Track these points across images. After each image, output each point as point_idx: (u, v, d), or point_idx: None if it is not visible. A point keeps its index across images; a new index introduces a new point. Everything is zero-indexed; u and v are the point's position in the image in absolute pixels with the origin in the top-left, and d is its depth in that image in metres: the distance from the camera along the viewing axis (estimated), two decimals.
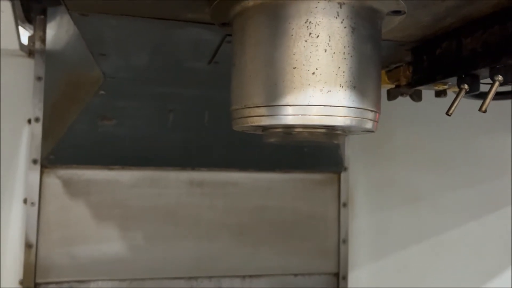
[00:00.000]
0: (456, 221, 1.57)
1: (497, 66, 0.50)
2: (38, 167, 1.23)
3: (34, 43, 1.24)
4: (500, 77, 0.50)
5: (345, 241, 1.48)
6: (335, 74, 0.40)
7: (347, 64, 0.41)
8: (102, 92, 1.00)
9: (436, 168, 1.56)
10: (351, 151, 1.50)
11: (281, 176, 1.45)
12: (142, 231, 1.35)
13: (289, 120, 0.42)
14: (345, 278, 1.48)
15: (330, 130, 0.45)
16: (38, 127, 1.24)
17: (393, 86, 0.69)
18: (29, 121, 1.24)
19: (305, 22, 0.40)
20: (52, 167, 1.24)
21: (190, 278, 1.38)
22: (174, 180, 1.37)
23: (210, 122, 1.22)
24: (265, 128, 0.45)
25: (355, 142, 1.51)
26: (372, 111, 0.45)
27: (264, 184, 1.44)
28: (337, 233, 1.48)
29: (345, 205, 1.49)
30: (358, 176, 1.52)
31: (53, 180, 1.26)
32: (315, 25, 0.40)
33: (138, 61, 0.84)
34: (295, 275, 1.46)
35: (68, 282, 1.28)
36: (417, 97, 0.69)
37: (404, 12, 0.46)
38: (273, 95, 0.41)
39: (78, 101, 1.12)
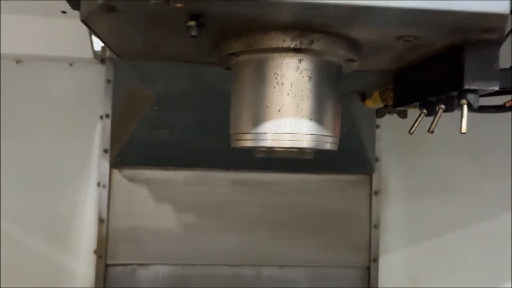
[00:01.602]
0: (491, 211, 1.60)
1: (443, 96, 0.61)
2: (108, 155, 1.50)
3: (105, 51, 1.50)
4: (442, 106, 0.61)
5: (376, 226, 1.59)
6: (295, 111, 0.55)
7: (305, 103, 0.56)
8: (155, 107, 1.22)
9: (473, 158, 1.60)
10: (384, 144, 1.59)
11: (315, 177, 1.59)
12: (192, 223, 1.57)
13: (267, 143, 0.57)
14: (376, 260, 1.58)
15: (299, 150, 0.60)
16: (108, 122, 1.51)
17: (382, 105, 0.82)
18: (101, 117, 1.51)
19: (274, 74, 0.56)
20: (119, 168, 1.50)
21: (234, 265, 1.57)
22: (220, 180, 1.56)
23: None
24: (251, 148, 0.61)
25: (389, 133, 1.59)
26: (329, 136, 0.59)
27: (300, 184, 1.59)
28: (369, 223, 1.59)
29: (376, 193, 1.59)
30: (392, 167, 1.61)
31: (120, 177, 1.52)
32: (281, 76, 0.55)
33: (180, 85, 1.03)
34: (328, 267, 1.59)
35: (132, 264, 1.53)
36: (402, 114, 0.80)
37: (357, 60, 0.60)
38: (255, 125, 0.57)
39: (137, 112, 1.35)
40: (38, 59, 1.45)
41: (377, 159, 1.58)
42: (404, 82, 0.73)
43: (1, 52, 1.38)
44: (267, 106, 0.56)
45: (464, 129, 0.58)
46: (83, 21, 0.51)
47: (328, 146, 0.60)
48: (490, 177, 1.59)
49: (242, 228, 1.56)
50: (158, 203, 1.52)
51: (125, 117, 1.44)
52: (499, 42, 0.54)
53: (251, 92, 0.58)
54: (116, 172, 1.49)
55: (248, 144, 0.58)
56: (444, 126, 1.52)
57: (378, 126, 1.56)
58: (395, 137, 1.58)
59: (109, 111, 1.49)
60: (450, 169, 1.60)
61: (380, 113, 0.80)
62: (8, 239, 1.44)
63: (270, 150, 0.60)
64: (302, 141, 0.57)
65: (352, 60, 0.59)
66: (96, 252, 1.48)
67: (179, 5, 0.44)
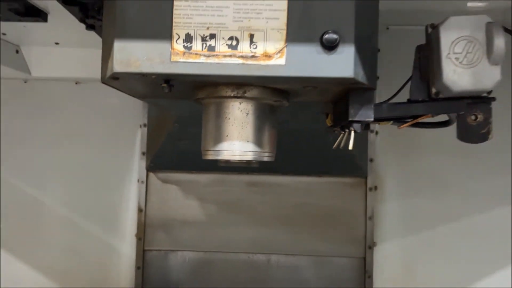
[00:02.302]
0: (480, 206, 1.72)
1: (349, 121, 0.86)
2: (145, 157, 1.83)
3: None
4: (352, 128, 0.87)
5: (371, 218, 1.77)
6: (238, 136, 0.84)
7: (244, 131, 0.84)
8: (176, 124, 1.55)
9: (463, 158, 1.72)
10: (379, 146, 1.77)
11: (317, 179, 1.80)
12: (213, 217, 1.83)
13: (223, 157, 0.86)
14: (371, 248, 1.77)
15: (246, 161, 0.88)
16: (145, 130, 1.84)
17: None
18: (141, 126, 1.84)
19: (224, 112, 0.84)
20: (153, 171, 1.83)
21: (248, 253, 1.81)
22: (236, 181, 1.83)
23: None
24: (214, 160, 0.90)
25: (384, 136, 1.77)
26: (266, 151, 0.86)
27: (303, 186, 1.81)
28: (364, 217, 1.78)
29: (371, 189, 1.78)
30: (387, 166, 1.78)
31: (154, 178, 1.84)
32: (228, 113, 0.83)
33: (193, 107, 1.34)
34: (328, 256, 1.80)
35: (165, 250, 1.87)
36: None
37: (287, 102, 0.87)
38: (215, 145, 0.86)
39: (164, 127, 1.70)
40: (92, 81, 1.79)
41: (371, 160, 1.77)
42: (335, 109, 0.99)
43: (63, 75, 1.80)
44: (220, 133, 0.85)
45: (351, 147, 0.83)
46: (103, 82, 0.83)
47: (265, 159, 0.87)
48: (479, 175, 1.72)
49: (255, 222, 1.82)
50: (186, 200, 1.83)
51: (156, 129, 1.78)
52: (373, 89, 0.79)
53: (212, 123, 0.86)
54: (151, 174, 1.83)
55: (211, 157, 0.87)
56: (437, 129, 1.71)
57: (372, 131, 1.76)
58: (390, 139, 1.76)
59: (146, 121, 1.84)
60: (441, 167, 1.75)
61: (328, 130, 1.06)
62: (69, 224, 1.83)
63: (227, 161, 0.89)
64: (246, 155, 0.85)
65: (282, 102, 0.87)
66: (136, 236, 1.83)
67: (153, 76, 0.75)
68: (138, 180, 1.83)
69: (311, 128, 1.54)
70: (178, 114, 1.46)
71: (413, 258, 1.78)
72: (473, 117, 0.84)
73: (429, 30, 0.84)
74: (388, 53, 1.57)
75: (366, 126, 0.85)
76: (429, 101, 0.84)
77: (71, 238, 1.85)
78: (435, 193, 1.76)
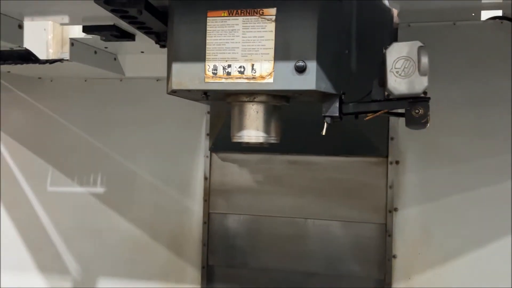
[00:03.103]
0: (491, 179, 1.93)
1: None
2: (208, 137, 2.28)
3: None
4: (325, 121, 1.25)
5: (391, 187, 2.02)
6: (252, 127, 1.27)
7: (256, 123, 1.26)
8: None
9: (476, 136, 1.92)
10: (401, 125, 1.89)
11: (344, 159, 2.10)
12: (261, 189, 2.22)
13: (244, 140, 1.30)
14: (391, 212, 2.03)
15: (260, 143, 1.31)
16: (208, 117, 2.23)
17: None
18: (206, 112, 2.28)
19: (242, 111, 1.27)
20: (215, 152, 2.26)
21: (289, 217, 2.17)
22: (279, 160, 2.19)
23: (295, 128, 1.78)
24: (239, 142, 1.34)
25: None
26: (272, 136, 1.28)
27: (333, 164, 2.12)
28: (386, 187, 2.06)
29: (391, 163, 2.03)
30: (408, 142, 2.01)
31: (216, 157, 2.26)
32: (245, 112, 1.26)
33: None
34: (354, 222, 2.11)
35: (225, 214, 2.36)
36: None
37: (287, 103, 1.28)
38: (238, 132, 1.31)
39: (222, 117, 2.16)
40: None
41: (392, 138, 2.02)
42: None
43: (148, 75, 2.30)
44: (241, 124, 1.28)
45: (323, 133, 1.22)
46: (168, 93, 1.30)
47: (271, 141, 1.29)
48: (489, 152, 1.93)
49: (294, 193, 2.16)
50: (240, 174, 2.23)
51: (217, 117, 2.22)
52: (337, 94, 1.18)
53: (236, 118, 1.28)
54: (213, 154, 2.29)
55: (235, 140, 1.32)
56: (454, 110, 1.96)
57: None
58: None
59: (209, 109, 2.27)
60: (456, 145, 1.96)
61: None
62: (154, 188, 2.33)
63: (247, 143, 1.33)
64: (258, 139, 1.27)
65: (281, 103, 1.29)
66: (203, 198, 2.27)
67: (195, 91, 1.21)
68: (204, 155, 2.31)
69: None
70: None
71: (430, 221, 2.03)
72: (416, 111, 1.19)
73: (384, 51, 1.19)
74: None
75: (339, 117, 1.23)
76: (383, 101, 1.20)
77: (156, 198, 2.33)
78: (450, 166, 1.99)
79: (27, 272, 2.52)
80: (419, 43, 1.14)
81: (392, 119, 2.06)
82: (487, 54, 1.93)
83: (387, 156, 2.08)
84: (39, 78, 2.51)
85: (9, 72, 2.31)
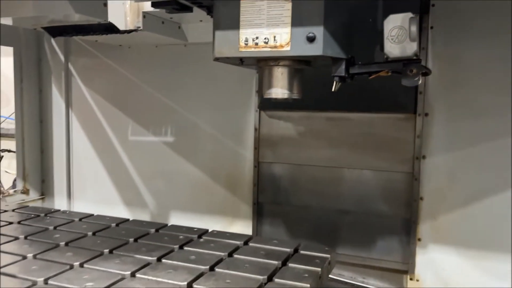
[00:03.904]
0: None
1: None
2: (257, 94, 2.46)
3: None
4: (335, 80, 1.55)
5: (419, 137, 2.17)
6: (278, 85, 1.60)
7: (282, 82, 1.59)
8: None
9: (499, 90, 2.01)
10: (431, 79, 2.12)
11: (376, 115, 2.28)
12: (303, 141, 2.47)
13: (272, 96, 1.65)
14: (418, 158, 2.20)
15: (285, 98, 1.64)
16: (257, 75, 2.43)
17: None
18: (256, 72, 2.42)
19: (270, 73, 1.62)
20: (262, 110, 2.54)
21: (327, 166, 2.43)
22: (318, 117, 2.37)
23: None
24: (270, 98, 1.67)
25: (434, 71, 2.09)
26: (295, 93, 1.60)
27: (366, 119, 2.32)
28: (414, 137, 2.24)
29: (420, 115, 2.21)
30: (436, 96, 2.14)
31: (263, 114, 2.57)
32: (272, 73, 1.60)
33: None
34: (385, 171, 2.33)
35: (269, 163, 2.65)
36: None
37: (309, 66, 1.59)
38: (268, 90, 1.65)
39: None
40: None
41: (420, 92, 2.19)
42: None
43: (206, 40, 2.67)
44: (269, 83, 1.62)
45: (333, 90, 1.51)
46: (214, 60, 1.66)
47: (294, 96, 1.62)
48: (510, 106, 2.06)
49: (332, 145, 2.39)
50: (284, 128, 2.48)
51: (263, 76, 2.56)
52: (343, 58, 1.46)
53: (266, 78, 1.63)
54: (261, 112, 2.58)
55: (266, 96, 1.66)
56: (478, 68, 2.12)
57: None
58: (438, 76, 2.18)
59: (257, 70, 2.46)
60: (481, 98, 2.10)
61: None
62: (213, 138, 2.64)
63: (275, 98, 1.67)
64: (283, 95, 1.61)
65: (302, 66, 1.59)
66: (254, 146, 2.52)
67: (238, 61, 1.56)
68: (254, 110, 2.59)
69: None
70: None
71: (455, 168, 2.14)
72: (410, 71, 1.45)
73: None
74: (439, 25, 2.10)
75: (346, 77, 1.52)
76: (383, 63, 1.47)
77: (215, 147, 2.66)
78: (475, 119, 2.09)
79: (115, 206, 3.10)
80: (410, 15, 1.38)
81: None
82: None
83: (415, 113, 2.26)
84: (120, 45, 2.98)
85: (96, 41, 2.81)
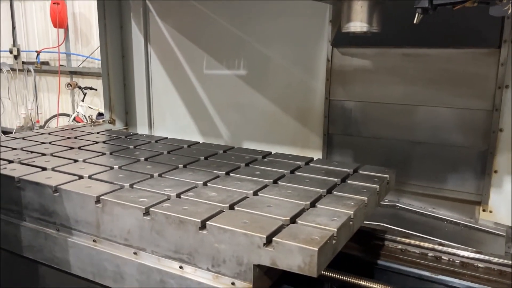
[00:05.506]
0: None
1: None
2: (331, 24, 2.53)
3: None
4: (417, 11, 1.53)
5: (503, 64, 2.10)
6: (358, 19, 1.62)
7: (361, 16, 1.61)
8: None
9: None
10: None
11: (455, 50, 2.26)
12: (376, 78, 2.49)
13: (351, 30, 1.67)
14: (500, 88, 2.13)
15: (364, 32, 1.66)
16: (331, 7, 2.49)
17: None
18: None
19: (350, 7, 1.63)
20: (335, 47, 2.56)
21: (400, 104, 2.44)
22: (393, 53, 2.42)
23: (410, 22, 2.20)
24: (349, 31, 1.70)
25: None
26: (374, 27, 1.62)
27: (445, 55, 2.29)
28: (495, 81, 2.15)
29: (505, 41, 2.09)
30: None
31: (336, 51, 2.59)
32: (352, 8, 1.62)
33: None
34: (462, 108, 2.29)
35: (341, 100, 2.76)
36: None
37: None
38: (347, 24, 1.68)
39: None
40: None
41: (508, 17, 2.05)
42: None
43: None
44: (349, 18, 1.64)
45: (415, 22, 1.50)
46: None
47: (373, 30, 1.63)
48: None
49: (407, 82, 2.39)
50: (356, 64, 2.54)
51: (337, 12, 2.48)
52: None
53: (344, 13, 1.66)
54: (334, 49, 2.59)
55: (344, 30, 1.69)
56: None
57: None
58: None
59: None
60: None
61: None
62: (285, 70, 2.75)
63: (353, 32, 1.69)
64: (362, 28, 1.63)
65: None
66: (326, 77, 2.60)
67: None
68: (327, 40, 2.59)
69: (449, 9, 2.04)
70: None
71: None
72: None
73: None
74: None
75: (429, 10, 1.49)
76: None
77: (287, 79, 2.75)
78: None
79: (191, 136, 3.35)
80: None
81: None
82: None
83: (499, 47, 2.15)
84: None
85: None
